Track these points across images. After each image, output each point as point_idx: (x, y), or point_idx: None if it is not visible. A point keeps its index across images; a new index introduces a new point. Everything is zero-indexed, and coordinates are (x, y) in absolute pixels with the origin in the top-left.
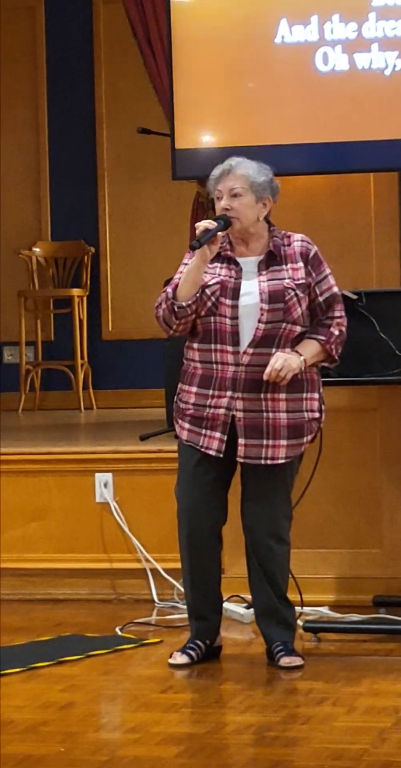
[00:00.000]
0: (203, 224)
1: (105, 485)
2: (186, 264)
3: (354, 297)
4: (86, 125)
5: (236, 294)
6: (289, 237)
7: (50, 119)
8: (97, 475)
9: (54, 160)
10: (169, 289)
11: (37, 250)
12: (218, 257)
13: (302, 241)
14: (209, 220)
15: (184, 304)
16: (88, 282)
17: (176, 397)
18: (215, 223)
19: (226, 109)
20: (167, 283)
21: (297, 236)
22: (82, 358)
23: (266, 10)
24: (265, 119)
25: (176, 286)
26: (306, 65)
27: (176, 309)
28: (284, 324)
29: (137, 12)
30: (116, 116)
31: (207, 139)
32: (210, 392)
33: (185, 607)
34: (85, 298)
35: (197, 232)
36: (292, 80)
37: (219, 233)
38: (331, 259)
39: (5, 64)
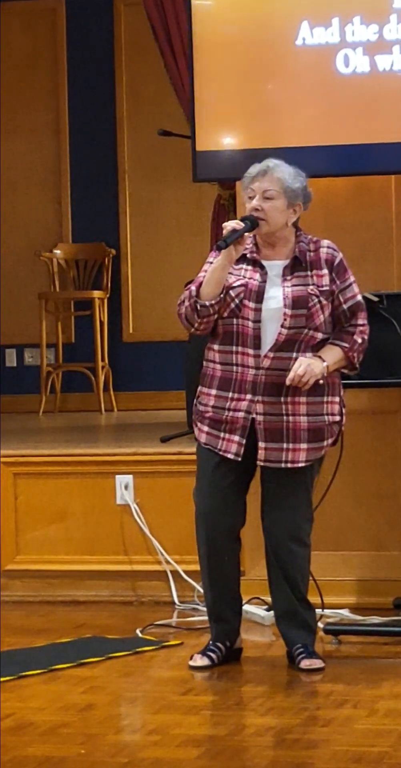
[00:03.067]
0: (231, 224)
1: (126, 487)
2: (211, 263)
3: (375, 299)
4: (107, 127)
5: (260, 297)
6: (316, 243)
7: (71, 121)
8: (117, 477)
9: (75, 163)
10: (192, 287)
11: (58, 252)
12: (244, 259)
13: (328, 248)
14: (237, 221)
15: (207, 303)
16: (109, 284)
17: (195, 400)
18: (243, 224)
19: (247, 111)
20: (188, 285)
21: (324, 242)
22: (102, 360)
23: (287, 12)
24: (286, 121)
25: (200, 284)
26: (327, 67)
27: (198, 307)
28: (306, 330)
29: (158, 14)
30: (136, 118)
31: (228, 141)
32: (230, 395)
33: (205, 609)
34: (105, 300)
35: (224, 231)
36: (313, 82)
37: (246, 234)
38: (352, 261)
39: (26, 66)
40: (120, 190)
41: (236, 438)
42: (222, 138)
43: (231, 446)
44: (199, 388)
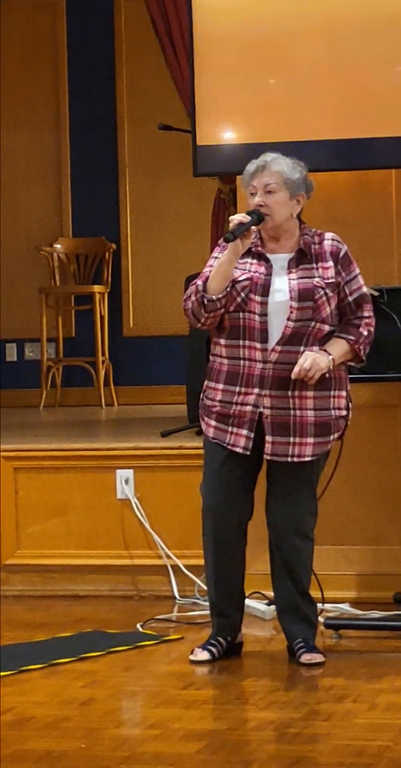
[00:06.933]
0: (237, 217)
1: (126, 481)
2: (216, 258)
3: (376, 294)
4: (107, 122)
5: (266, 291)
6: (320, 235)
7: (71, 116)
8: (118, 471)
9: (75, 157)
10: (199, 282)
11: (59, 246)
12: (249, 253)
13: (332, 240)
14: (243, 214)
15: (214, 297)
16: (110, 278)
17: (202, 395)
18: (249, 217)
19: (247, 106)
20: (189, 280)
21: (328, 235)
22: (103, 354)
23: (289, 5)
24: (287, 115)
25: (207, 278)
26: (328, 62)
27: (205, 302)
28: (312, 322)
29: (158, 8)
30: (137, 113)
31: (229, 136)
32: (237, 389)
33: (206, 603)
34: (106, 295)
35: (231, 225)
36: (314, 77)
37: (252, 227)
38: (353, 255)
39: (27, 61)
40: (120, 184)
41: (245, 432)
42: (223, 132)
43: (240, 440)
44: (205, 382)
